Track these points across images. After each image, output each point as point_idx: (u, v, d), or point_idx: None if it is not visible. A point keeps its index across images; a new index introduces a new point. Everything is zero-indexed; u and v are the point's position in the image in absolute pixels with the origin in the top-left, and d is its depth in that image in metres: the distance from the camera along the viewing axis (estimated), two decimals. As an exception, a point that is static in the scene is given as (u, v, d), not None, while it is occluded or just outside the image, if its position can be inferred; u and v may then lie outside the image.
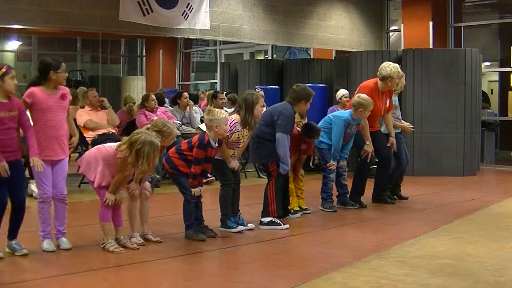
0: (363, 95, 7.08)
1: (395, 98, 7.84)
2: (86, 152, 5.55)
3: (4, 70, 4.78)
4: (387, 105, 7.47)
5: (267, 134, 6.14)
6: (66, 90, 5.24)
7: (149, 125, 5.43)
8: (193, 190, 5.55)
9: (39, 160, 4.85)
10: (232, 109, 7.25)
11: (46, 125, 5.06)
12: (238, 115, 5.92)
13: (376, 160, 7.70)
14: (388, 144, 7.45)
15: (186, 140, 5.74)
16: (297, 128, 6.82)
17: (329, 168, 7.07)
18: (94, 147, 5.48)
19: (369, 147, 7.25)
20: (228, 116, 5.76)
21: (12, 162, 4.78)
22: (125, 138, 5.10)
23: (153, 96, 9.28)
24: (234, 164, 5.95)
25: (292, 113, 6.23)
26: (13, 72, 4.82)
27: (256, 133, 6.15)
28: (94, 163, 5.15)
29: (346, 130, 7.01)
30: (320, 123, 7.13)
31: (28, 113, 5.05)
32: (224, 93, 11.09)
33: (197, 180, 5.57)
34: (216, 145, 5.60)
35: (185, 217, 5.62)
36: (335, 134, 6.98)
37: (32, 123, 5.07)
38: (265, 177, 6.73)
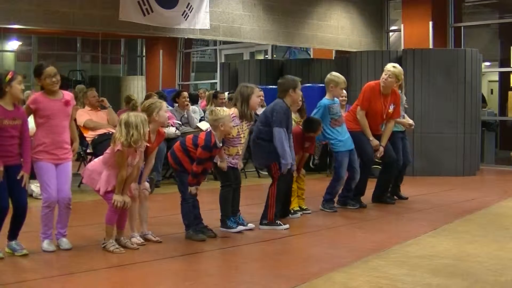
0: (335, 73, 7.15)
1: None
2: (89, 164, 5.55)
3: (10, 76, 4.78)
4: (390, 111, 7.35)
5: (264, 133, 6.12)
6: (70, 96, 5.25)
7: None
8: (190, 188, 5.52)
9: (27, 177, 4.87)
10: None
11: (50, 131, 5.07)
12: (235, 109, 5.93)
13: (377, 160, 7.69)
14: (373, 144, 7.21)
15: (192, 135, 5.73)
16: (299, 126, 6.83)
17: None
18: (96, 158, 5.49)
19: (374, 142, 7.24)
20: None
21: (12, 166, 4.79)
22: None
23: (155, 96, 9.25)
24: (225, 165, 5.91)
25: (283, 106, 6.14)
26: (19, 78, 4.82)
27: (255, 134, 6.16)
28: (97, 173, 5.17)
29: (330, 111, 7.00)
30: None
31: (30, 118, 5.07)
32: (226, 93, 11.09)
33: (196, 179, 5.55)
34: (221, 145, 5.60)
35: (183, 216, 5.62)
36: (312, 114, 7.05)
37: (35, 127, 5.11)
38: (268, 176, 6.71)
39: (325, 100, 7.08)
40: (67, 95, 5.22)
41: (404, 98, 8.00)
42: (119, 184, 5.07)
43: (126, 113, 5.17)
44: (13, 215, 4.91)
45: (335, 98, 7.15)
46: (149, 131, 5.30)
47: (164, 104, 5.52)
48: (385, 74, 7.30)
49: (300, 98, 7.41)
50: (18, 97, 4.83)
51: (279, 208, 6.22)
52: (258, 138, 6.15)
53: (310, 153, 7.31)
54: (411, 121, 7.97)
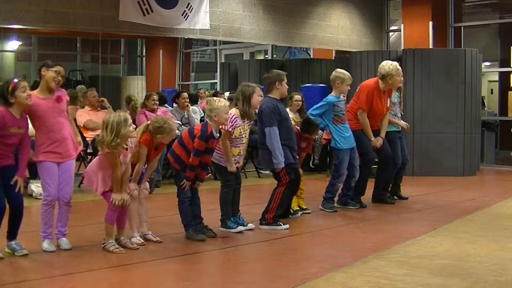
0: (340, 69, 7.15)
1: (396, 94, 7.82)
2: (88, 166, 5.56)
3: (12, 86, 4.75)
4: (388, 105, 7.46)
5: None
6: (62, 92, 5.23)
7: (149, 122, 5.44)
8: (185, 181, 5.49)
9: (22, 182, 4.89)
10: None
11: (48, 129, 5.07)
12: (236, 109, 5.92)
13: (377, 160, 7.69)
14: (373, 144, 7.26)
15: (187, 129, 5.71)
16: (296, 126, 6.82)
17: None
18: (93, 160, 5.50)
19: (374, 142, 7.26)
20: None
21: (6, 167, 4.80)
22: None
23: (155, 97, 9.22)
24: (234, 168, 5.90)
25: (269, 103, 6.07)
26: (22, 84, 4.79)
27: (259, 140, 6.15)
28: (94, 174, 5.17)
29: (335, 109, 6.99)
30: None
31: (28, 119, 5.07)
32: (226, 93, 11.09)
33: (193, 172, 5.52)
34: (218, 135, 5.60)
35: (181, 216, 5.61)
36: (315, 107, 7.04)
37: (34, 129, 5.11)
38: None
39: (331, 97, 7.07)
40: (59, 91, 5.19)
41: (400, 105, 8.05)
42: (115, 183, 5.07)
43: (105, 117, 5.17)
44: (10, 214, 4.91)
45: (341, 96, 7.15)
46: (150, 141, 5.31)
47: (174, 131, 5.45)
48: (400, 73, 7.33)
49: (300, 98, 7.42)
50: (25, 104, 4.82)
51: (280, 212, 6.21)
52: (262, 144, 6.15)
53: (308, 153, 7.31)
54: (407, 124, 8.04)
